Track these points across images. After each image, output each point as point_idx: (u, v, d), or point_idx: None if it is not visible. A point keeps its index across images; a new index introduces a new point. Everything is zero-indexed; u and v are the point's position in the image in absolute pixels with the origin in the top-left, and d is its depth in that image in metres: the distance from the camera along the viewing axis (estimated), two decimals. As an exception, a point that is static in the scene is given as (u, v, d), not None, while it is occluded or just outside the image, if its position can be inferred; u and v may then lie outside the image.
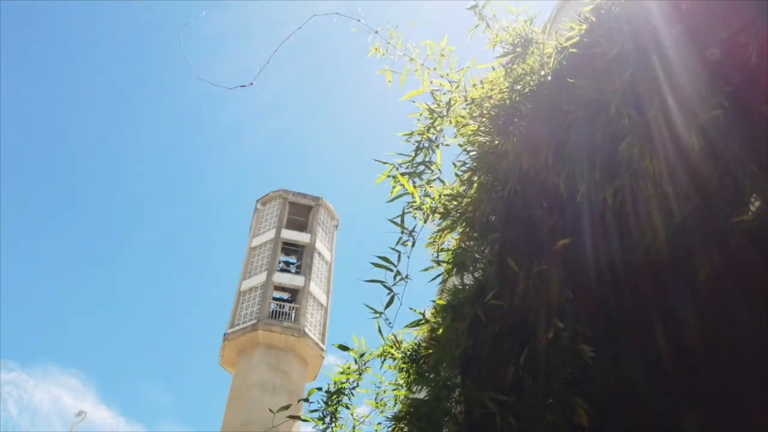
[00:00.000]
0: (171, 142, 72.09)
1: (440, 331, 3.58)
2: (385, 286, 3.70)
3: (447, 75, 3.82)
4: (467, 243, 3.80)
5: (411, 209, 3.71)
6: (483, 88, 3.40)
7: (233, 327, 24.49)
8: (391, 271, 3.70)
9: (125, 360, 69.73)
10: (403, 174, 3.78)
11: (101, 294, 69.81)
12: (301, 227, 29.37)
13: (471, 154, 3.59)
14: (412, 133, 3.88)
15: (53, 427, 59.71)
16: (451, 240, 3.98)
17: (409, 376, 3.79)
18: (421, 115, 3.80)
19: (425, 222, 3.75)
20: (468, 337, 3.42)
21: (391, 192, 3.76)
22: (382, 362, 3.91)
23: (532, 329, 3.38)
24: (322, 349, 25.13)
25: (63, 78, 65.44)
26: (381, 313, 3.74)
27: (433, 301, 3.93)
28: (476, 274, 3.78)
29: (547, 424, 2.99)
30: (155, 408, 70.27)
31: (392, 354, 3.79)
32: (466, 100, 3.52)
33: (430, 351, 3.57)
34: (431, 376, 3.56)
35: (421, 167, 3.80)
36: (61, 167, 68.05)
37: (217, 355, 24.91)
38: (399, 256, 3.76)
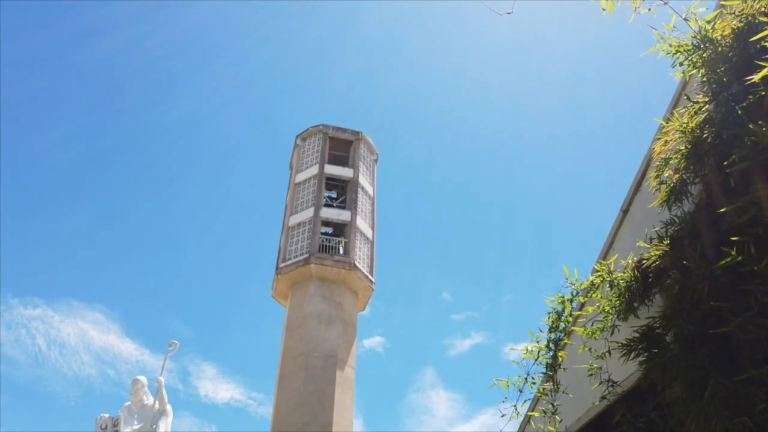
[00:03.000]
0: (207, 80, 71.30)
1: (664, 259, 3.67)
2: None
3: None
4: (686, 176, 3.83)
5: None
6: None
7: (285, 261, 25.08)
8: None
9: (147, 294, 71.62)
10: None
11: (115, 232, 70.92)
12: (341, 162, 29.39)
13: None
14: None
15: (81, 359, 62.80)
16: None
17: (621, 305, 3.91)
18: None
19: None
20: (705, 265, 3.49)
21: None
22: (593, 292, 4.03)
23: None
24: (371, 281, 25.73)
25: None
26: None
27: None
28: (692, 207, 3.83)
29: None
30: (178, 340, 72.74)
31: (610, 281, 3.88)
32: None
33: (670, 277, 3.66)
34: (661, 306, 3.68)
35: None
36: (90, 92, 67.79)
37: (270, 287, 25.70)
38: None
